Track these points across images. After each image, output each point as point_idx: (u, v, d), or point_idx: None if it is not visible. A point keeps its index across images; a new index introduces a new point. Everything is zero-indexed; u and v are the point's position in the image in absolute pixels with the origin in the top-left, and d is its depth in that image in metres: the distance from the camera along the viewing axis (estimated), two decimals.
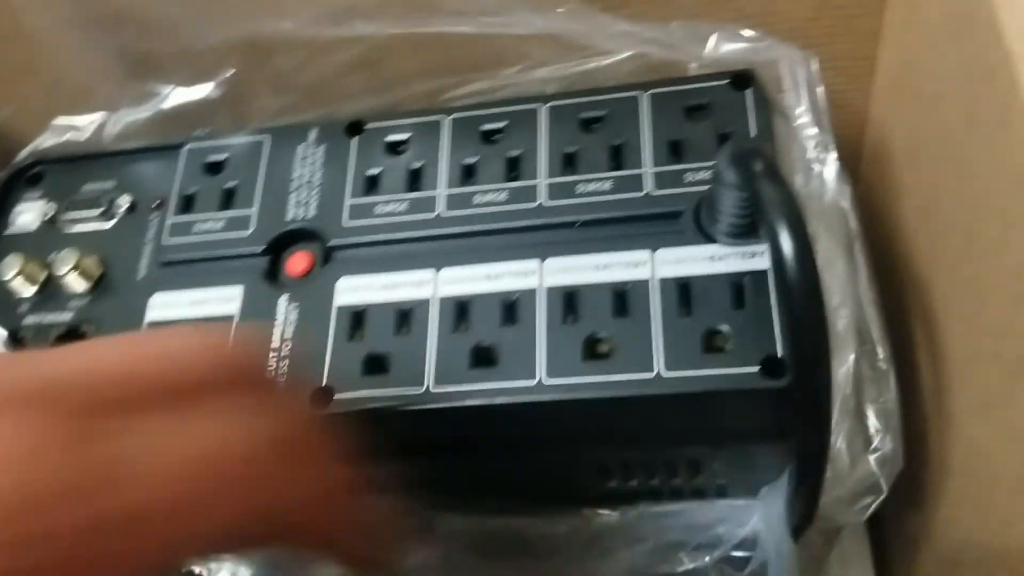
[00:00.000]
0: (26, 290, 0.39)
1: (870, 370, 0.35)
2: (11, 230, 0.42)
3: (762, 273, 0.33)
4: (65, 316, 0.39)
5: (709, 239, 0.34)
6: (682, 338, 0.32)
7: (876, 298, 0.35)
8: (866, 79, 0.42)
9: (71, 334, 0.38)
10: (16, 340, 0.39)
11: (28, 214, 0.42)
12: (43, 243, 0.41)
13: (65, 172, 0.43)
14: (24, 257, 0.39)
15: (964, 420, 0.34)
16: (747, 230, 0.33)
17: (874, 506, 0.34)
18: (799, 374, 0.29)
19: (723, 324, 0.32)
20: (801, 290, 0.27)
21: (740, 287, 0.33)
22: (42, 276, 0.40)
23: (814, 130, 0.36)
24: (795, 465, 0.31)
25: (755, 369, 0.31)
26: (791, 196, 0.28)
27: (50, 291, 0.39)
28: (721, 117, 0.36)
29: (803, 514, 0.32)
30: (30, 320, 0.39)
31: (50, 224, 0.41)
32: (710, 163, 0.35)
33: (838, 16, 0.39)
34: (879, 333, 0.35)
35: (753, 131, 0.35)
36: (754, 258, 0.33)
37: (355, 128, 0.40)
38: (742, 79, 0.36)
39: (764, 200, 0.28)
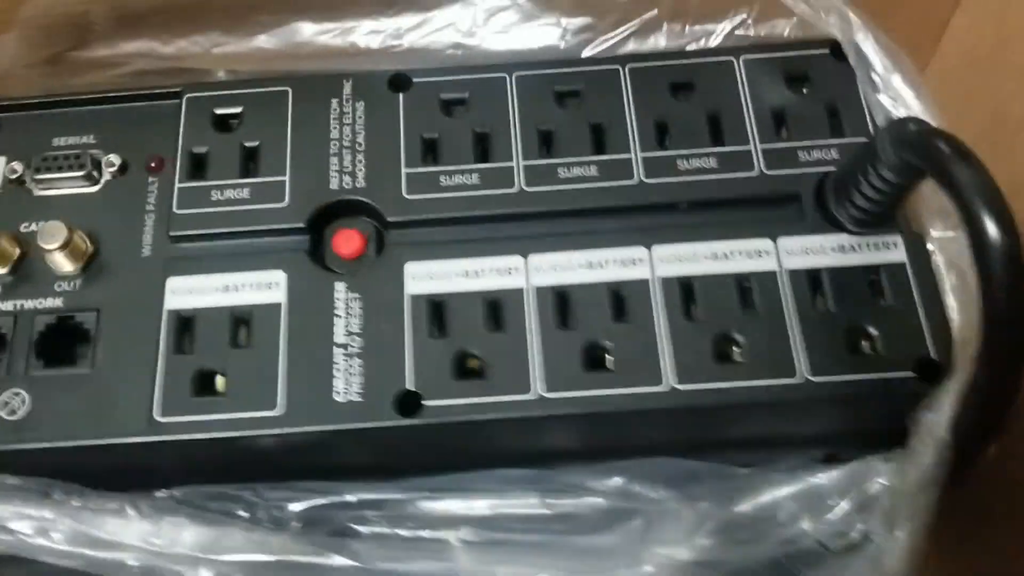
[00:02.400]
0: None
1: None
2: None
3: (900, 266, 0.30)
4: (53, 302, 0.32)
5: (835, 226, 0.31)
6: (824, 339, 0.29)
7: None
8: (927, 50, 0.40)
9: (63, 325, 0.31)
10: None
11: None
12: (11, 210, 0.33)
13: (28, 121, 0.35)
14: None
15: None
16: (882, 218, 0.30)
17: None
18: (992, 372, 0.26)
19: (867, 323, 0.29)
20: (1008, 284, 0.25)
21: (878, 282, 0.30)
22: (15, 252, 0.32)
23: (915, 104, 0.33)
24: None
25: (909, 373, 0.29)
26: (991, 179, 0.25)
27: (27, 269, 0.32)
28: (825, 89, 0.33)
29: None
30: (5, 306, 0.32)
31: (17, 186, 0.34)
32: (824, 141, 0.32)
33: None
34: None
35: (865, 108, 0.33)
36: (889, 249, 0.31)
37: (400, 82, 0.34)
38: (841, 48, 0.33)
39: (959, 184, 0.25)
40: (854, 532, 0.31)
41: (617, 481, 0.32)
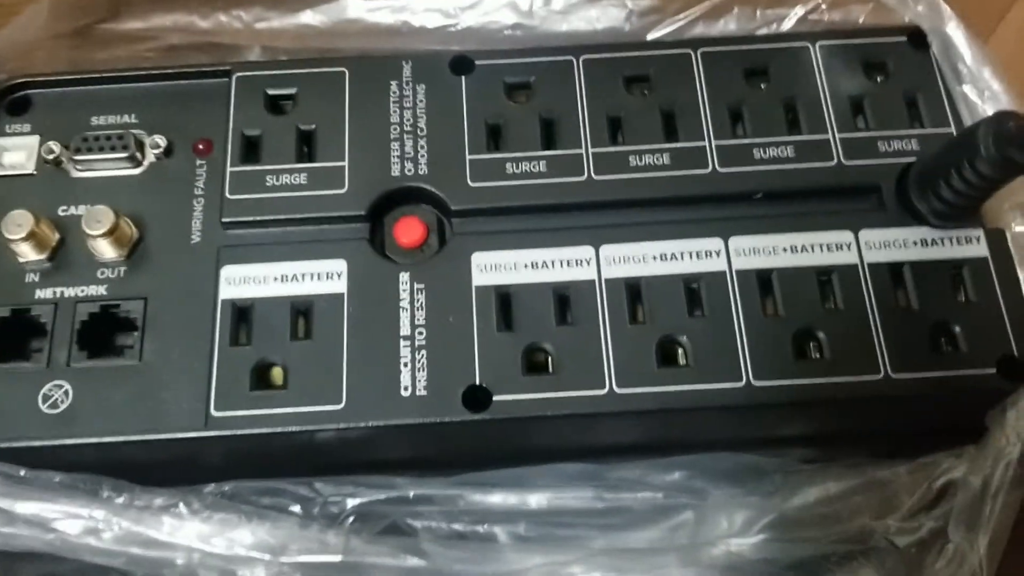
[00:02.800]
0: (33, 253, 0.30)
1: None
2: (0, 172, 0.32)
3: (983, 261, 0.29)
4: (95, 290, 0.30)
5: (917, 219, 0.30)
6: (906, 335, 0.28)
7: None
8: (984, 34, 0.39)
9: (107, 314, 0.30)
10: (26, 321, 0.30)
11: (17, 152, 0.32)
12: (48, 192, 0.31)
13: (63, 99, 0.33)
14: (31, 212, 0.30)
15: None
16: (965, 212, 0.29)
17: None
18: None
19: (950, 319, 0.29)
20: None
21: (960, 277, 0.29)
22: (55, 236, 0.31)
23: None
24: None
25: (991, 371, 0.28)
26: None
27: (66, 255, 0.31)
28: (903, 78, 0.32)
29: None
30: (44, 294, 0.30)
31: (54, 167, 0.32)
32: (904, 131, 0.31)
33: None
34: None
35: (946, 99, 0.32)
36: (971, 244, 0.30)
37: (463, 64, 0.33)
38: (919, 37, 0.33)
39: None
40: (923, 530, 0.30)
41: (678, 476, 0.31)
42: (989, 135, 0.26)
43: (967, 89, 0.30)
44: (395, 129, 0.32)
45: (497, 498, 0.31)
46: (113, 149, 0.32)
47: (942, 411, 0.29)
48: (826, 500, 0.31)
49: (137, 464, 0.29)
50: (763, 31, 0.34)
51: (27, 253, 0.30)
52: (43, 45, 0.38)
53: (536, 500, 0.31)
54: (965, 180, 0.28)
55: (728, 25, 0.34)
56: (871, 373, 0.28)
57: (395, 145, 0.31)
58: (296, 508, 0.30)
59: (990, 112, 0.30)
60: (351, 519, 0.29)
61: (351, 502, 0.30)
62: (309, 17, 0.36)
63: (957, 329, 0.29)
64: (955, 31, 0.30)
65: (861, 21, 0.34)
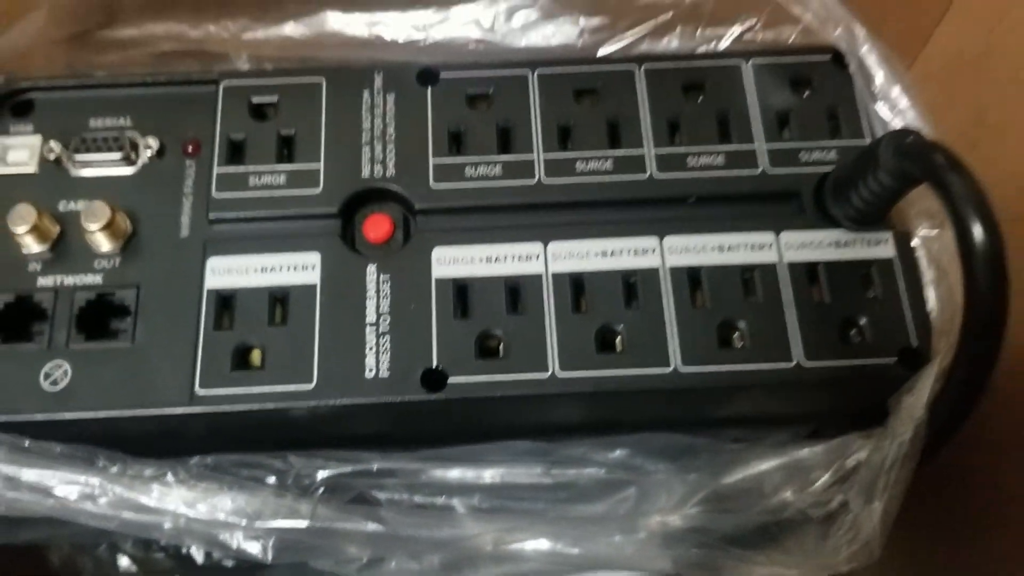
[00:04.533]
0: (36, 245, 0.33)
1: None
2: (4, 169, 0.35)
3: (889, 261, 0.33)
4: (92, 279, 0.33)
5: (832, 223, 0.33)
6: (818, 327, 0.32)
7: None
8: (914, 51, 0.43)
9: (103, 300, 0.33)
10: (29, 306, 0.33)
11: (20, 151, 0.35)
12: (49, 188, 0.35)
13: (63, 102, 0.36)
14: (34, 207, 0.33)
15: None
16: (875, 217, 0.33)
17: None
18: (970, 360, 0.29)
19: (857, 313, 0.32)
20: (992, 289, 0.27)
21: (869, 275, 0.33)
22: (55, 230, 0.34)
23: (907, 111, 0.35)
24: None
25: (893, 360, 0.31)
26: (981, 188, 0.28)
27: (66, 247, 0.34)
28: (825, 93, 0.35)
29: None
30: (45, 282, 0.33)
31: (55, 165, 0.35)
32: (824, 143, 0.35)
33: None
34: None
35: (861, 114, 0.35)
36: (880, 245, 0.33)
37: (429, 76, 0.36)
38: (841, 57, 0.36)
39: (952, 193, 0.27)
40: (834, 503, 0.34)
41: (619, 454, 0.34)
42: (889, 149, 0.30)
43: (879, 106, 0.34)
44: (366, 134, 0.35)
45: (455, 472, 0.34)
46: (109, 149, 0.35)
47: (850, 396, 0.33)
48: (751, 478, 0.34)
49: (129, 436, 0.32)
50: (702, 49, 0.37)
51: (30, 245, 0.33)
52: (41, 49, 0.40)
53: (490, 474, 0.34)
54: (870, 189, 0.31)
55: (672, 43, 0.37)
56: (785, 361, 0.31)
57: (366, 149, 0.35)
58: (272, 479, 0.33)
59: (899, 126, 0.34)
60: (321, 490, 0.33)
61: (321, 474, 0.33)
62: (291, 29, 0.39)
63: (864, 322, 0.32)
64: (868, 54, 0.33)
65: (791, 40, 0.37)
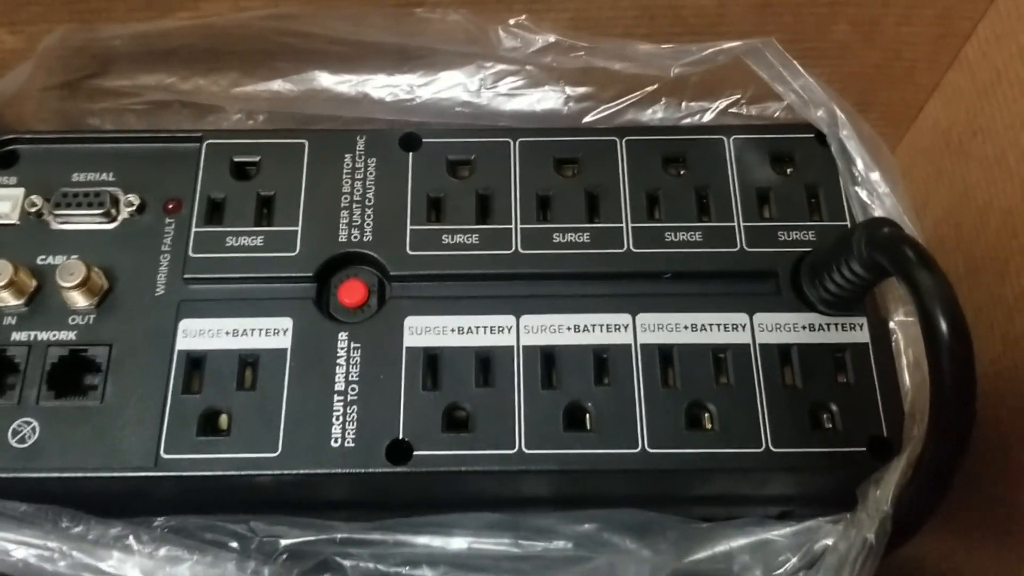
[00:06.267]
0: (11, 299, 0.33)
1: None
2: None
3: (863, 346, 0.33)
4: (66, 335, 0.33)
5: (807, 305, 0.33)
6: (788, 412, 0.32)
7: None
8: (903, 127, 0.43)
9: (75, 357, 0.33)
10: (2, 361, 0.33)
11: (3, 203, 0.35)
12: (28, 242, 0.35)
13: (48, 155, 0.36)
14: (11, 261, 0.33)
15: None
16: (850, 302, 0.32)
17: None
18: (935, 458, 0.28)
19: (828, 399, 0.32)
20: (958, 389, 0.27)
21: (842, 361, 0.32)
22: (32, 284, 0.34)
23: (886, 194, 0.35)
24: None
25: (862, 449, 0.31)
26: (950, 286, 0.27)
27: (42, 301, 0.34)
28: (807, 172, 0.35)
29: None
30: (19, 336, 0.33)
31: (36, 218, 0.35)
32: (803, 223, 0.34)
33: (902, 66, 0.39)
34: None
35: (843, 195, 0.35)
36: (854, 331, 0.33)
37: (411, 142, 0.36)
38: (823, 134, 0.36)
39: (921, 289, 0.27)
40: None
41: (587, 528, 0.34)
42: (862, 239, 0.30)
43: (860, 190, 0.33)
44: (345, 198, 0.35)
45: (421, 541, 0.34)
46: (90, 206, 0.35)
47: (819, 482, 0.32)
48: (719, 556, 0.34)
49: (94, 496, 0.32)
50: (687, 121, 0.37)
51: (6, 299, 0.33)
52: (33, 96, 0.41)
53: (457, 544, 0.34)
54: (844, 276, 0.31)
55: (656, 113, 0.37)
56: (754, 446, 0.31)
57: (344, 213, 0.35)
58: (235, 544, 0.33)
59: (878, 212, 0.33)
60: (284, 556, 0.33)
61: (284, 541, 0.33)
62: (279, 86, 0.40)
63: (835, 408, 0.32)
64: (849, 138, 0.33)
65: (776, 115, 0.37)
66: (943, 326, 0.27)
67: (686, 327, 0.33)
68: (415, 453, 0.31)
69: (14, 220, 0.35)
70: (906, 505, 0.29)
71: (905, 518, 0.30)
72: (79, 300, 0.33)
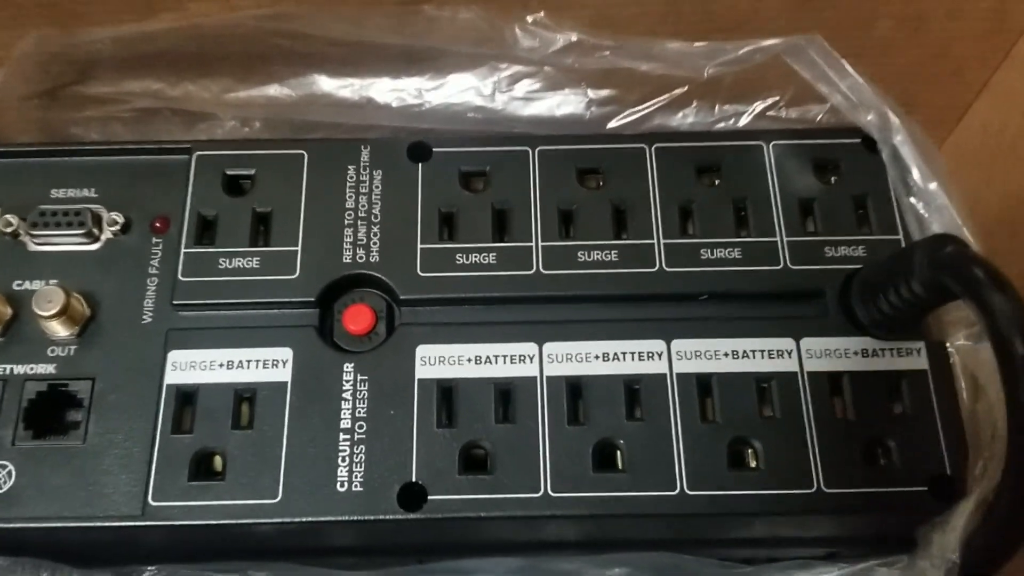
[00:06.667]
0: None
1: None
2: None
3: (922, 374, 0.30)
4: (44, 368, 0.30)
5: (858, 328, 0.30)
6: (841, 448, 0.29)
7: None
8: (946, 128, 0.40)
9: (55, 392, 0.30)
10: None
11: None
12: (3, 265, 0.32)
13: (24, 170, 0.33)
14: None
15: None
16: (907, 326, 0.29)
17: None
18: (1014, 501, 0.25)
19: (886, 433, 0.29)
20: None
21: (899, 390, 0.29)
22: (7, 312, 0.31)
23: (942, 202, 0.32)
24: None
25: (923, 489, 0.28)
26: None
27: (18, 331, 0.31)
28: (854, 181, 0.32)
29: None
30: None
31: (11, 239, 0.32)
32: (851, 237, 0.32)
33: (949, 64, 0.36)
34: None
35: (894, 206, 0.32)
36: (911, 356, 0.30)
37: (420, 151, 0.33)
38: (873, 140, 0.33)
39: (996, 313, 0.24)
40: None
41: (616, 572, 0.31)
42: (925, 258, 0.27)
43: (914, 201, 0.30)
44: (349, 215, 0.32)
45: None
46: (70, 225, 0.32)
47: (874, 525, 0.29)
48: None
49: (76, 546, 0.29)
50: (720, 126, 0.34)
51: None
52: (11, 106, 0.38)
53: None
54: (901, 296, 0.28)
55: (687, 118, 0.34)
56: (804, 487, 0.28)
57: (348, 231, 0.32)
58: None
59: (935, 226, 0.30)
60: None
61: None
62: (276, 91, 0.37)
63: (892, 444, 0.29)
64: (903, 144, 0.30)
65: (819, 119, 0.34)
66: (1021, 351, 0.24)
67: (726, 354, 0.30)
68: (429, 498, 0.28)
69: None
70: (977, 552, 0.26)
71: (976, 567, 0.27)
72: (59, 330, 0.31)
